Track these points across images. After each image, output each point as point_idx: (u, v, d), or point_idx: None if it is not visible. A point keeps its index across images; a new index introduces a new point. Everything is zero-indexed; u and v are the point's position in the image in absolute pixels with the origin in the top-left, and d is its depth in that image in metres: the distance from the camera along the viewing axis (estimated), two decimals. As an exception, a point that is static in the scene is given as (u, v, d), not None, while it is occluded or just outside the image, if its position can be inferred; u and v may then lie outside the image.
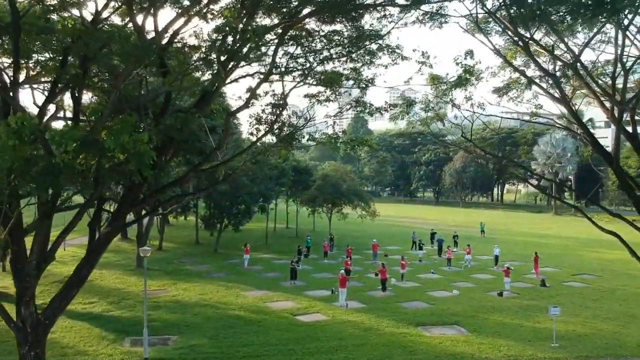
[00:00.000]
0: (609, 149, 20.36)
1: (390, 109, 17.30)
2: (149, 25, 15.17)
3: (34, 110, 16.42)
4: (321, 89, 17.39)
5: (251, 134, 17.66)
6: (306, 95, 17.84)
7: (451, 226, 71.63)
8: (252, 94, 16.21)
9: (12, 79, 14.96)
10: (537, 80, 18.78)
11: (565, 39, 17.29)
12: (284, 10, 15.92)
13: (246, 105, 16.41)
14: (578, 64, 17.45)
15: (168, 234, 58.12)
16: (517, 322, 26.65)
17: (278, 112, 16.76)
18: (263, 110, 16.87)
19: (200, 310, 27.65)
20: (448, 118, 20.30)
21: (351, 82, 17.75)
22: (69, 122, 16.31)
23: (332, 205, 52.33)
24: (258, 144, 18.32)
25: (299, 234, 58.25)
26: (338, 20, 16.17)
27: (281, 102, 16.53)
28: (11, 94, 15.07)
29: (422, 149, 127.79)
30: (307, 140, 18.22)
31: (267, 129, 16.56)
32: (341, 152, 19.98)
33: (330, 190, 51.17)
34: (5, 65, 15.78)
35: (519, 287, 34.25)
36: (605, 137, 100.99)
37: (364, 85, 16.74)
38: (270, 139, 18.21)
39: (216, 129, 32.03)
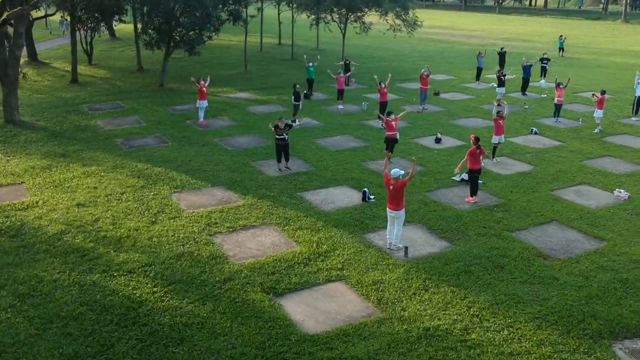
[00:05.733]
0: None
1: None
2: None
3: None
4: None
5: None
6: None
7: (508, 39, 52.20)
8: None
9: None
10: None
11: None
12: None
13: None
14: None
15: (105, 54, 39.80)
16: None
17: None
18: None
19: (47, 274, 11.10)
20: None
21: None
22: None
23: (347, 11, 33.05)
24: None
25: (295, 55, 39.63)
26: None
27: None
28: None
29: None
30: None
31: None
32: None
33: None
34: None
35: None
36: None
37: None
38: None
39: None
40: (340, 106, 25.55)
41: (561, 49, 42.35)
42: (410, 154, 18.90)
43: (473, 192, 14.97)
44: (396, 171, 11.98)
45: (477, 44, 49.04)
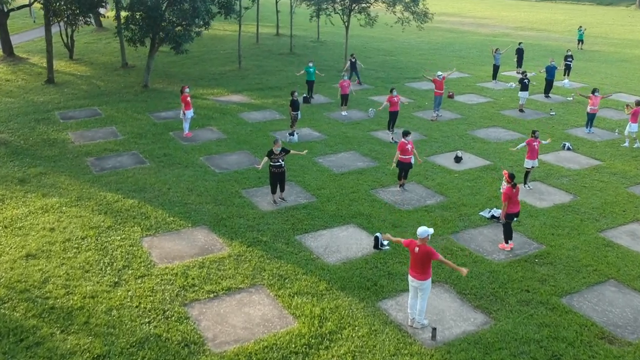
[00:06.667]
0: None
1: None
2: None
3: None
4: None
5: None
6: None
7: (520, 28, 49.11)
8: None
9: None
10: None
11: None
12: None
13: None
14: None
15: (89, 47, 36.93)
16: None
17: None
18: None
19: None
20: None
21: None
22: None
23: (351, 3, 30.14)
24: None
25: (294, 48, 36.71)
26: None
27: None
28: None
29: None
30: None
31: None
32: None
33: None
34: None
35: None
36: None
37: None
38: None
39: None
40: (344, 113, 22.77)
41: (580, 41, 39.37)
42: (427, 177, 16.24)
43: (508, 238, 12.33)
44: (424, 230, 9.30)
45: (489, 34, 46.07)
